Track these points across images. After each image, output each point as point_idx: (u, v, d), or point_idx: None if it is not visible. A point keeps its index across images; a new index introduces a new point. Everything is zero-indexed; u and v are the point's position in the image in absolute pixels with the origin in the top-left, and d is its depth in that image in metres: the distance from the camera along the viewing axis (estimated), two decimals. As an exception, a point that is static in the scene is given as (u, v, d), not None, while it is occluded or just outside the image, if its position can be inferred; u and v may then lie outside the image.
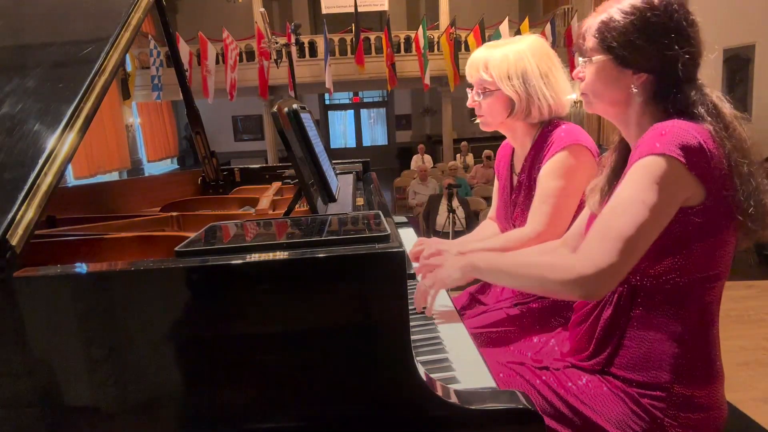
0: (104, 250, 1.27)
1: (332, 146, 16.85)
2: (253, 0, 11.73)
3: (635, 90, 1.09)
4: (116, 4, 1.25)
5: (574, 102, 1.62)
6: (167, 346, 0.90)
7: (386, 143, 17.20)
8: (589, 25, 1.12)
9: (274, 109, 1.26)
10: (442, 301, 1.47)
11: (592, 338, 1.15)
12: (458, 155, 11.47)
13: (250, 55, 12.19)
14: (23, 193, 0.89)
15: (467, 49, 11.68)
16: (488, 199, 6.71)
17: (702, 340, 1.07)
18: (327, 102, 16.88)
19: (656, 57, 1.06)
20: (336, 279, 0.90)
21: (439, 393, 0.92)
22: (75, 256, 1.24)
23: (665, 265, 1.04)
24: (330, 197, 1.35)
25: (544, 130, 1.53)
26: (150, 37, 11.14)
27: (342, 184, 1.77)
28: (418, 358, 0.95)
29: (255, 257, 0.89)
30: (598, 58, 1.10)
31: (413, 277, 1.47)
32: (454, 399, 0.92)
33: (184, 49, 10.56)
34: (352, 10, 11.07)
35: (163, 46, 11.21)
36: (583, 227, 1.27)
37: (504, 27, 11.32)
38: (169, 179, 2.39)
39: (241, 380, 0.91)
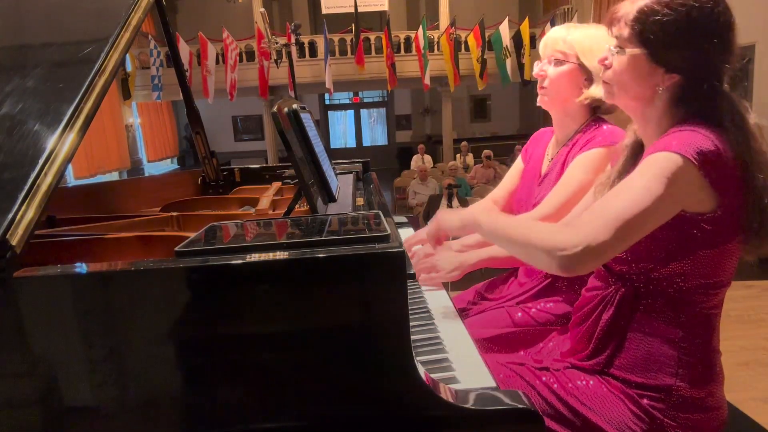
0: (104, 250, 1.27)
1: (332, 146, 16.83)
2: (253, 0, 11.73)
3: (660, 89, 1.03)
4: (116, 4, 1.25)
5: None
6: (167, 346, 0.90)
7: (386, 143, 17.18)
8: (626, 12, 1.03)
9: (274, 109, 1.26)
10: (443, 302, 1.47)
11: (592, 338, 1.15)
12: (458, 155, 11.46)
13: (250, 55, 12.18)
14: (23, 193, 0.89)
15: (467, 49, 11.70)
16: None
17: (702, 344, 1.07)
18: (327, 102, 16.87)
19: (694, 60, 0.99)
20: (336, 279, 0.90)
21: (439, 393, 0.92)
22: (75, 256, 1.24)
23: (670, 269, 1.03)
24: (330, 197, 1.34)
25: (590, 124, 1.54)
26: (150, 37, 11.14)
27: (342, 184, 1.77)
28: (418, 358, 0.95)
29: (255, 257, 0.89)
30: (631, 50, 1.02)
31: (413, 277, 1.47)
32: (454, 399, 0.92)
33: (184, 49, 10.56)
34: (352, 10, 11.07)
35: (163, 46, 11.21)
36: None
37: (504, 27, 11.33)
38: (169, 179, 2.39)
39: (242, 380, 0.91)
